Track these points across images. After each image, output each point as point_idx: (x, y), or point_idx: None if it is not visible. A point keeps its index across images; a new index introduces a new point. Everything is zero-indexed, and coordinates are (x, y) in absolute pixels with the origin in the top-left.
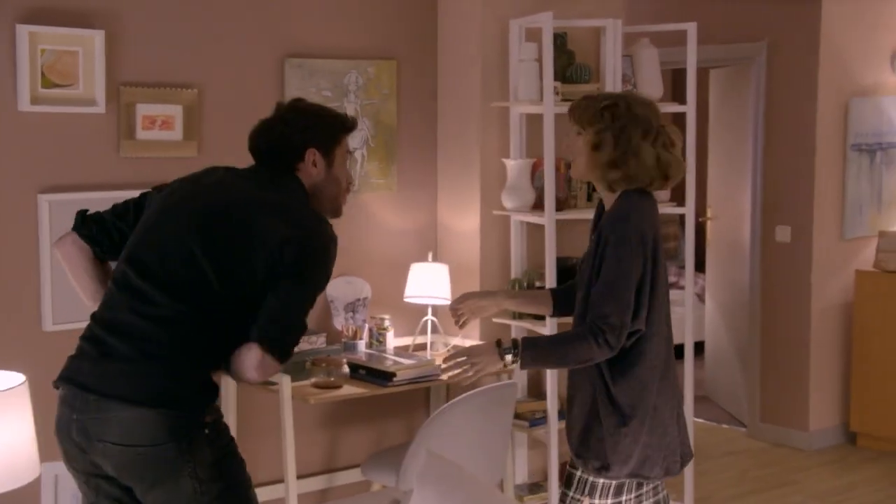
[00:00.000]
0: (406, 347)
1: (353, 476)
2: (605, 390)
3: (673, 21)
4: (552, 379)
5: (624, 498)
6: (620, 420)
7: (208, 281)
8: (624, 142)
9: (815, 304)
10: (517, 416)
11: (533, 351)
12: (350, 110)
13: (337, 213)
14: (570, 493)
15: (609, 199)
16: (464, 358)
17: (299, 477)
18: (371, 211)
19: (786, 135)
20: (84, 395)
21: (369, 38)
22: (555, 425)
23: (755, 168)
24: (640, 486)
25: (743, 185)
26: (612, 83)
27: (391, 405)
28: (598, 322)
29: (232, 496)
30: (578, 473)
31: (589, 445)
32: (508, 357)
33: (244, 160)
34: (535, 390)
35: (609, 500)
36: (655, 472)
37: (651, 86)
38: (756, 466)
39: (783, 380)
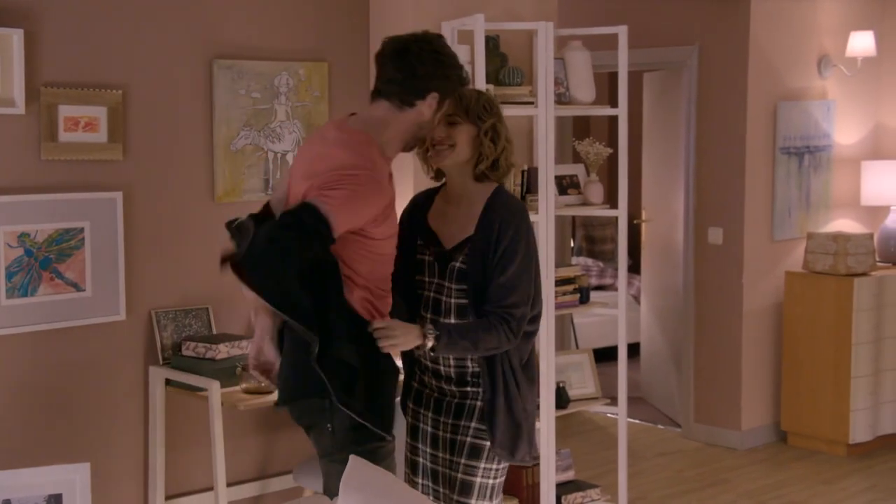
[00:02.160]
0: None
1: (285, 482)
2: (515, 379)
3: (606, 24)
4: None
5: None
6: (531, 405)
7: None
8: (505, 132)
9: (747, 305)
10: None
11: (448, 338)
12: (281, 113)
13: (410, 150)
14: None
15: (473, 189)
16: (388, 329)
17: (230, 484)
18: None
19: (717, 138)
20: None
21: (300, 40)
22: None
23: (688, 171)
24: None
25: (676, 188)
26: (544, 86)
27: None
28: (505, 312)
29: None
30: (481, 481)
31: (519, 442)
32: (430, 342)
33: (172, 162)
34: None
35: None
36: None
37: (583, 88)
38: (690, 466)
39: (716, 380)
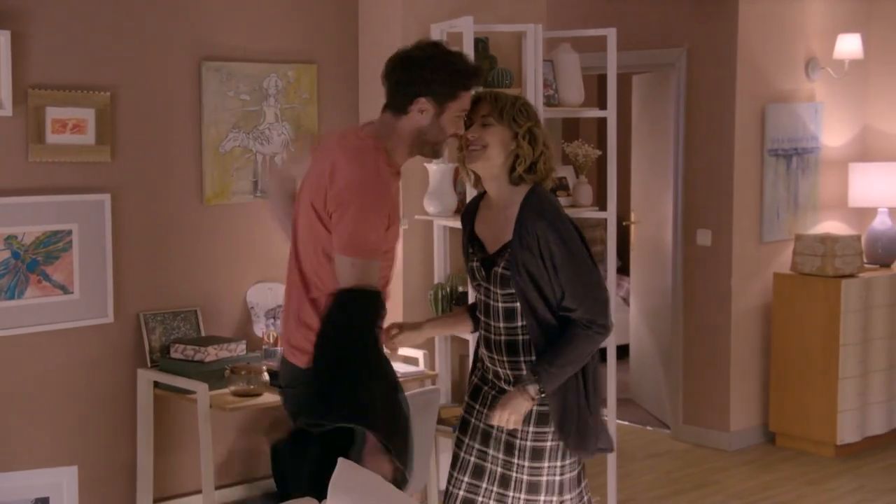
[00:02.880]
0: None
1: (273, 485)
2: (581, 375)
3: (594, 27)
4: None
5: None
6: (594, 400)
7: None
8: (543, 137)
9: (735, 306)
10: (440, 421)
11: (549, 377)
12: (270, 115)
13: (434, 155)
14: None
15: (508, 193)
16: (501, 415)
17: (218, 487)
18: None
19: (705, 140)
20: None
21: (289, 42)
22: None
23: (676, 172)
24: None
25: (665, 190)
26: (533, 88)
27: None
28: (586, 312)
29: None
30: (547, 479)
31: (587, 433)
32: (532, 391)
33: (161, 165)
34: (459, 395)
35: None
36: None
37: (572, 90)
38: (679, 467)
39: (705, 382)
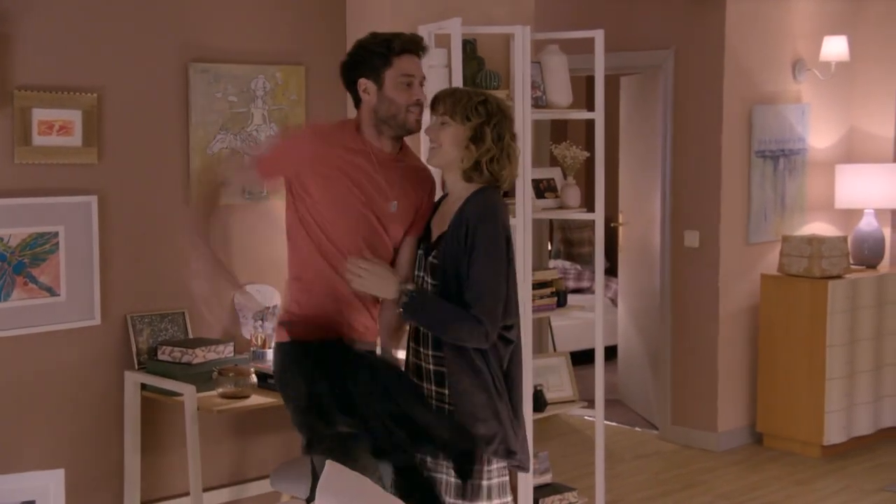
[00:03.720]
0: None
1: (262, 487)
2: (492, 381)
3: (582, 28)
4: None
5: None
6: (512, 409)
7: None
8: (498, 138)
9: (723, 307)
10: None
11: (423, 301)
12: (258, 116)
13: (403, 129)
14: None
15: (461, 188)
16: (361, 268)
17: (206, 489)
18: (279, 218)
19: (693, 141)
20: None
21: (277, 44)
22: None
23: (664, 174)
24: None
25: (653, 191)
26: (521, 89)
27: None
28: (485, 314)
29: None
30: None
31: (493, 432)
32: (403, 290)
33: (148, 166)
34: None
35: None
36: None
37: (560, 92)
38: (667, 468)
39: (693, 382)
